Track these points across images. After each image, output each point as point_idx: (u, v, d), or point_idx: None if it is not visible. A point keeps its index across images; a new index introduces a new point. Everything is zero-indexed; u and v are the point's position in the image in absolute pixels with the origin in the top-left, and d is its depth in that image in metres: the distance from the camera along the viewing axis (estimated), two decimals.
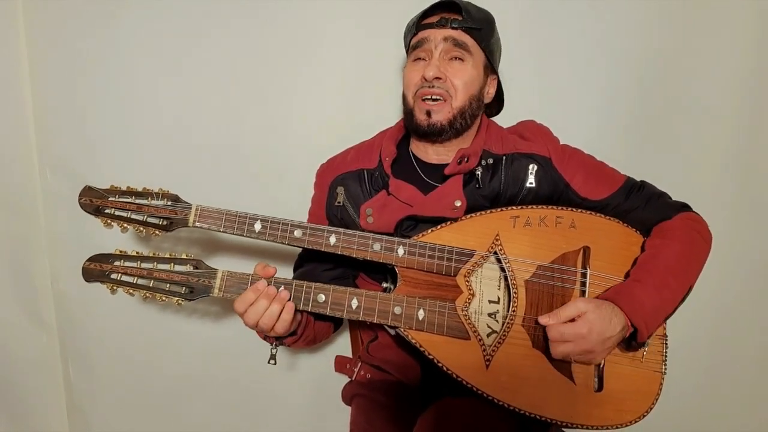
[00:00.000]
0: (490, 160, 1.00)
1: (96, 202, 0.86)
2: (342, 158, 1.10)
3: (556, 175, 1.00)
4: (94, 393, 1.39)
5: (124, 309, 1.33)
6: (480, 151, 0.99)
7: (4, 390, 1.33)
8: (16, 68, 1.22)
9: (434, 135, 0.99)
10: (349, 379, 1.15)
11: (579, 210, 0.96)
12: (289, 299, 0.85)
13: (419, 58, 1.01)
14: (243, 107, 1.29)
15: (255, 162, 1.31)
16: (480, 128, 1.05)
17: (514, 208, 0.94)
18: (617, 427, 0.90)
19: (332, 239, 0.90)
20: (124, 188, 0.88)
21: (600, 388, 0.90)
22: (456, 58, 0.98)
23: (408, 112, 1.02)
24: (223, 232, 0.89)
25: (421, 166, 1.04)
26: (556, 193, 1.00)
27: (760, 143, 1.36)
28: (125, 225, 0.87)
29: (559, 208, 0.95)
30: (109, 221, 0.87)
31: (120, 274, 0.85)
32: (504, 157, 1.00)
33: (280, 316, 0.84)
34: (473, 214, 0.93)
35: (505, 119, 1.14)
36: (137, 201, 0.87)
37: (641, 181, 1.03)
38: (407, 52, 1.06)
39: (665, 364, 0.95)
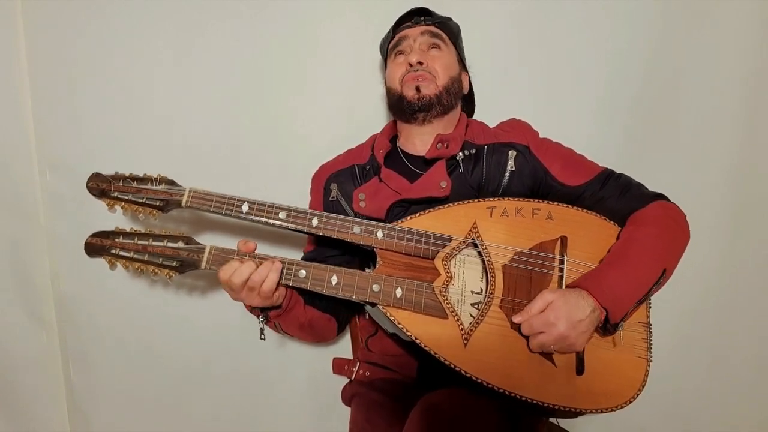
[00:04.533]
0: (473, 150, 1.05)
1: (102, 186, 0.95)
2: (333, 161, 1.16)
3: (536, 162, 1.03)
4: (95, 393, 1.38)
5: (124, 309, 1.34)
6: (460, 140, 1.05)
7: (4, 390, 1.32)
8: (15, 68, 1.22)
9: (424, 109, 1.05)
10: (348, 380, 1.15)
11: (556, 203, 0.98)
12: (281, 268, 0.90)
13: (400, 53, 1.10)
14: (241, 109, 1.31)
15: (252, 163, 1.32)
16: (460, 120, 1.11)
17: (490, 199, 0.97)
18: (603, 411, 0.90)
19: (314, 221, 0.94)
20: (126, 174, 0.96)
21: (581, 371, 0.90)
22: (434, 46, 1.09)
23: (397, 100, 1.08)
24: (213, 212, 0.95)
25: (408, 159, 1.09)
26: (537, 180, 1.03)
27: (759, 144, 1.36)
28: (126, 206, 0.95)
29: (536, 200, 0.98)
30: (112, 203, 0.95)
31: (118, 249, 0.92)
32: (485, 147, 1.05)
33: (267, 276, 0.87)
34: (451, 204, 0.97)
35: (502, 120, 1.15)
36: (137, 185, 0.95)
37: (619, 173, 1.05)
38: (386, 58, 1.16)
39: (650, 352, 0.94)
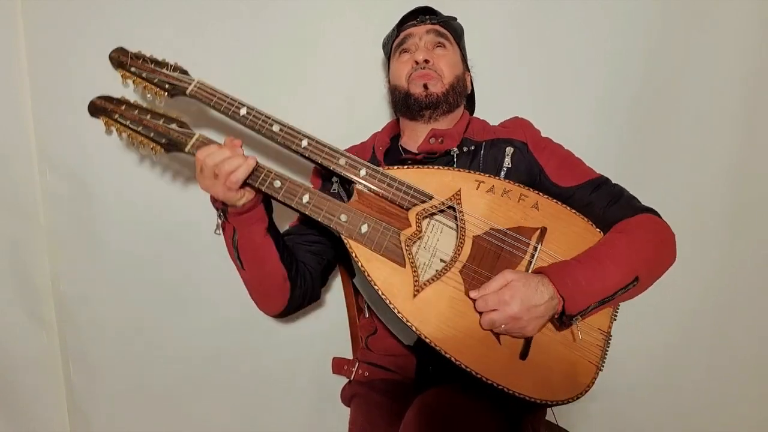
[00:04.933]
0: (471, 147, 1.05)
1: (122, 58, 1.00)
2: None
3: (532, 159, 1.04)
4: (95, 393, 1.38)
5: (124, 309, 1.34)
6: (458, 137, 1.06)
7: (4, 390, 1.32)
8: (15, 68, 1.22)
9: (432, 106, 1.06)
10: (348, 380, 1.15)
11: (545, 196, 0.97)
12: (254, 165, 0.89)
13: (405, 51, 1.10)
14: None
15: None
16: (462, 117, 1.12)
17: (481, 174, 0.97)
18: (537, 401, 0.87)
19: (304, 142, 0.96)
20: (147, 55, 1.01)
21: (524, 355, 0.89)
22: (439, 45, 1.09)
23: (403, 97, 1.08)
24: (213, 107, 0.99)
25: (408, 156, 1.09)
26: (532, 177, 1.03)
27: (759, 144, 1.36)
28: (137, 81, 1.00)
29: (526, 188, 0.97)
30: (126, 75, 1.00)
31: (118, 115, 0.97)
32: (484, 143, 1.06)
33: (238, 167, 0.85)
34: (441, 167, 0.98)
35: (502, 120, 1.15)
36: (154, 66, 1.00)
37: (614, 183, 1.04)
38: (390, 56, 1.16)
39: (603, 360, 0.92)
